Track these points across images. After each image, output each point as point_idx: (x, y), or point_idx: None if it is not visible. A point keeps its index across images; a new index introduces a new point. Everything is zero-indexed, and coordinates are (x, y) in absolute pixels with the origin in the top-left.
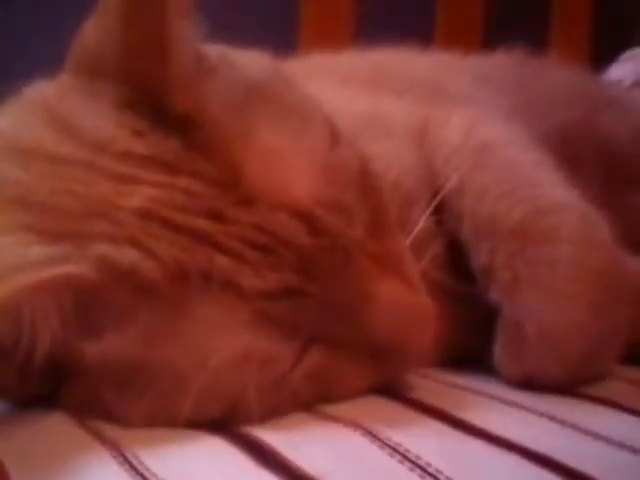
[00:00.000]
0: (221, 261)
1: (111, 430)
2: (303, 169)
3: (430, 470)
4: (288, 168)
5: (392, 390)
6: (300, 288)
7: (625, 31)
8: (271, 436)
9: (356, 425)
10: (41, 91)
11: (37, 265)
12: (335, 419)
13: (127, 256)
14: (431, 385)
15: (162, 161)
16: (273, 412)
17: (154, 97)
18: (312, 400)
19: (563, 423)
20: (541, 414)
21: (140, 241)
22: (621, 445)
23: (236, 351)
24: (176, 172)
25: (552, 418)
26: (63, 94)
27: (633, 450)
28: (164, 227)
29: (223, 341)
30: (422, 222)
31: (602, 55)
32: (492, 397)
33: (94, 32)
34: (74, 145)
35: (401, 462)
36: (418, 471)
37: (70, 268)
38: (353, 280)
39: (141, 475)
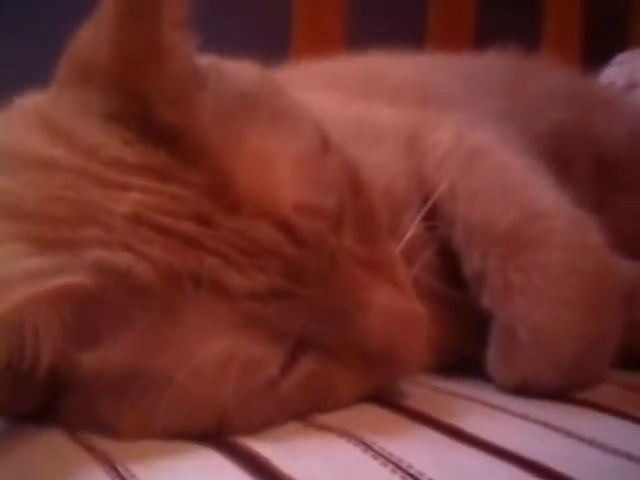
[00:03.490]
0: (209, 262)
1: (104, 444)
2: (289, 175)
3: (423, 479)
4: (274, 174)
5: (385, 398)
6: (288, 290)
7: (617, 34)
8: (264, 447)
9: (349, 435)
10: (33, 100)
11: (34, 277)
12: (328, 429)
13: (122, 259)
14: (424, 392)
15: (151, 169)
16: (265, 422)
17: (142, 109)
18: (305, 409)
19: (557, 429)
20: (535, 421)
21: (132, 245)
22: (616, 451)
23: (219, 352)
24: (165, 179)
25: (546, 425)
26: (54, 102)
27: (628, 456)
28: (154, 231)
29: (207, 343)
30: (413, 228)
31: (593, 58)
32: (486, 404)
33: (87, 40)
34: (64, 149)
35: (394, 472)
36: None
37: (69, 278)
38: (342, 285)
39: None
